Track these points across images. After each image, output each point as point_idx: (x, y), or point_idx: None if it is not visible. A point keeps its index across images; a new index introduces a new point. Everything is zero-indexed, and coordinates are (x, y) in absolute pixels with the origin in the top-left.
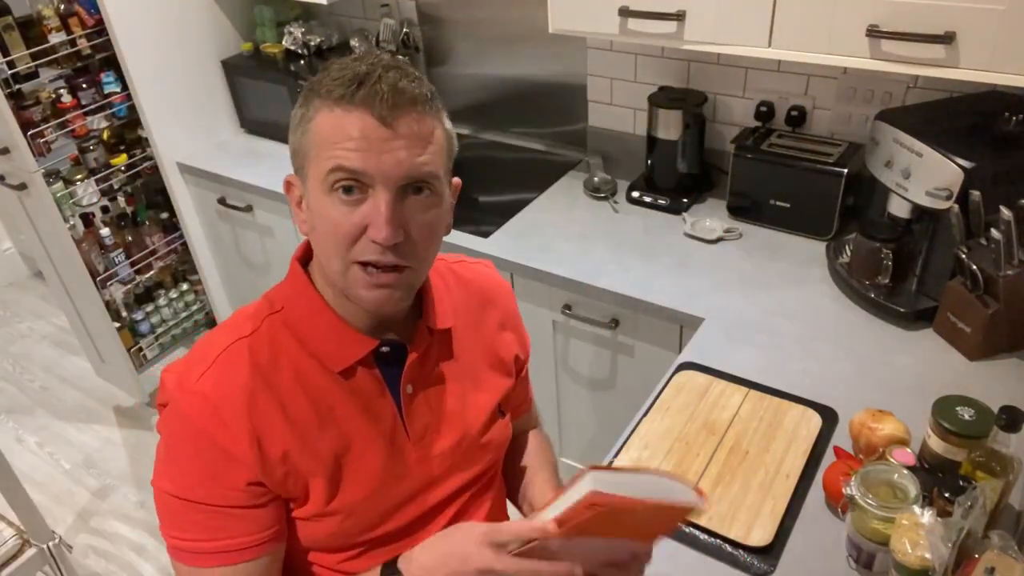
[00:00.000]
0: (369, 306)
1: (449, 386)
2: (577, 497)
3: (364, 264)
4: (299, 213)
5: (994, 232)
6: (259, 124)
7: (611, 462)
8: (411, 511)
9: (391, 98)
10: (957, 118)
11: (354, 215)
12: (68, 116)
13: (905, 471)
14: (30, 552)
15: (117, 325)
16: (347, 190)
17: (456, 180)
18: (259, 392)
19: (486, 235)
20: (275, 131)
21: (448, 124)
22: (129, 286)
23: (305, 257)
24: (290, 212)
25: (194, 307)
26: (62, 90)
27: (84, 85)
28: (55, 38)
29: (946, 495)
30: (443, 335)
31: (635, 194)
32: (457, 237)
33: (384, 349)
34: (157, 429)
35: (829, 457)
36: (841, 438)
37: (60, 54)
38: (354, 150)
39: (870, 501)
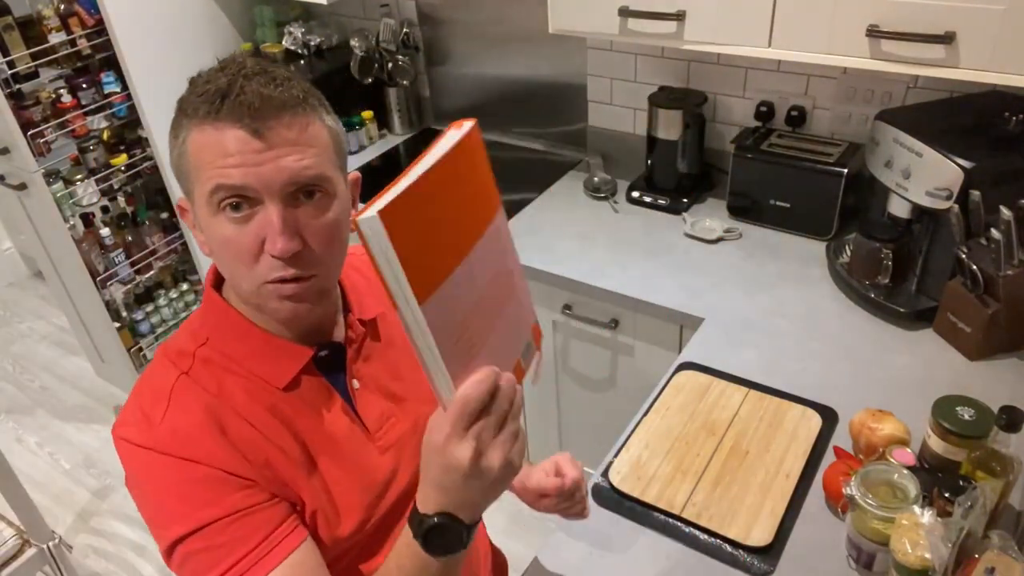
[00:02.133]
0: (283, 317)
1: (394, 371)
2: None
3: (272, 282)
4: (198, 236)
5: (994, 232)
6: None
7: (611, 463)
8: (394, 504)
9: (258, 107)
10: (957, 118)
11: (247, 231)
12: (68, 116)
13: (905, 471)
14: (30, 552)
15: (117, 325)
16: (235, 207)
17: (354, 175)
18: (223, 413)
19: None
20: None
21: (331, 120)
22: (129, 286)
23: (217, 281)
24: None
25: (194, 307)
26: (62, 90)
27: (84, 85)
28: (55, 38)
29: (946, 495)
30: (374, 324)
31: (635, 194)
32: None
33: (322, 353)
34: (138, 488)
35: (829, 457)
36: (841, 438)
37: (60, 54)
38: (232, 166)
39: (870, 501)
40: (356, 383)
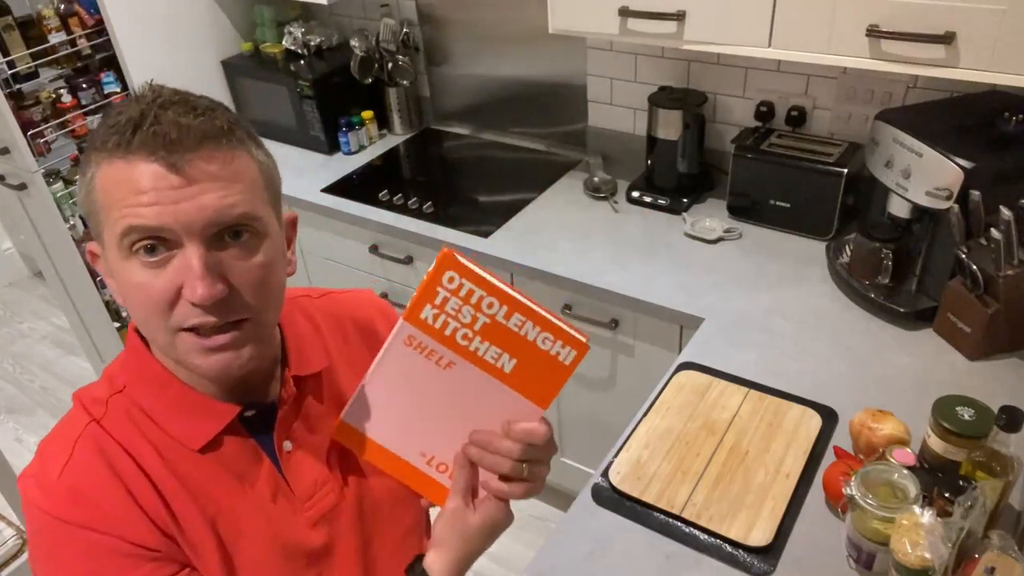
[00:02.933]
0: (211, 374)
1: None
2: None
3: (191, 329)
4: (111, 283)
5: (994, 232)
6: (259, 124)
7: (611, 463)
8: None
9: (175, 138)
10: (957, 118)
11: (162, 277)
12: (68, 116)
13: (905, 471)
14: None
15: (117, 325)
16: (149, 250)
17: (290, 214)
18: (127, 471)
19: (486, 235)
20: (275, 131)
21: (261, 154)
22: None
23: None
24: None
25: None
26: (62, 90)
27: (84, 85)
28: (55, 38)
29: (946, 495)
30: (318, 379)
31: (635, 194)
32: (457, 237)
33: (248, 413)
34: (34, 551)
35: (829, 457)
36: (841, 438)
37: (60, 54)
38: (145, 205)
39: (870, 501)
40: (288, 444)
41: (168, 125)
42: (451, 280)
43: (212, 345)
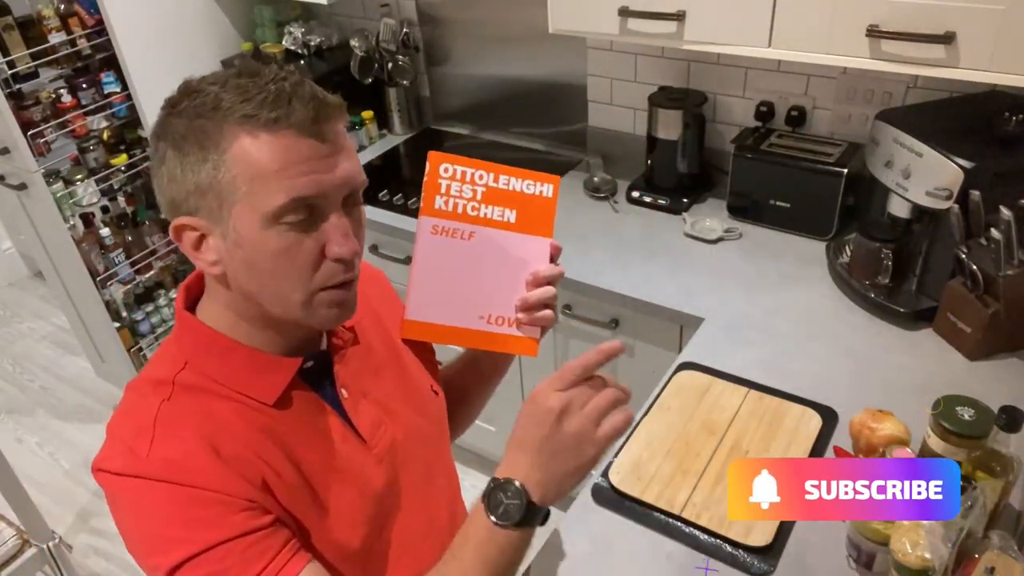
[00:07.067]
0: (329, 324)
1: (381, 375)
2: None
3: (332, 287)
4: (201, 255)
5: (994, 232)
6: None
7: (611, 463)
8: (398, 514)
9: (318, 111)
10: (957, 118)
11: (308, 240)
12: (68, 116)
13: None
14: (30, 552)
15: (117, 325)
16: (293, 216)
17: None
18: (215, 434)
19: None
20: None
21: None
22: (129, 286)
23: (188, 303)
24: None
25: None
26: (62, 90)
27: (84, 85)
28: (55, 38)
29: None
30: (352, 331)
31: (635, 194)
32: None
33: (308, 364)
34: (128, 519)
35: (829, 457)
36: (841, 438)
37: (60, 54)
38: (305, 175)
39: None
40: (344, 392)
41: (312, 100)
42: (446, 170)
43: (339, 299)
